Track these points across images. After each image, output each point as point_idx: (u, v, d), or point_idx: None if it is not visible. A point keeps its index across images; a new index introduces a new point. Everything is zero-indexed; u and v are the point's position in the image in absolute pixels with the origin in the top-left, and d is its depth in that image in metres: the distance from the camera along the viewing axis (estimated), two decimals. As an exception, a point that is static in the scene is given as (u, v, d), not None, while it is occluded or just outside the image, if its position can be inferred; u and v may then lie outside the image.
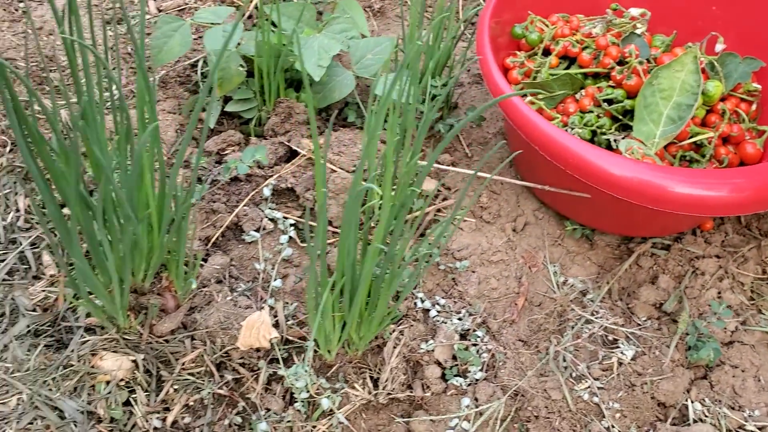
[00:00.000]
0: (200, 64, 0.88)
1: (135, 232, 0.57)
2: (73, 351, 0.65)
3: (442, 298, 0.73)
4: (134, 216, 0.55)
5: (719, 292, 0.75)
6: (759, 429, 0.67)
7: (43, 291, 0.70)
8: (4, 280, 0.71)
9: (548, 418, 0.65)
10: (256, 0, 0.89)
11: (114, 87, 0.56)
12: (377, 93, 0.75)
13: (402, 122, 0.66)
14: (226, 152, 0.79)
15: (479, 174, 0.81)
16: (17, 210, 0.76)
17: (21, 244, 0.73)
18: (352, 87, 0.78)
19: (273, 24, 0.79)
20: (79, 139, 0.49)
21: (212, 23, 0.78)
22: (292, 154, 0.79)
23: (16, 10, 0.94)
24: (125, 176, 0.55)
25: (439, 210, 0.80)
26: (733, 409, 0.68)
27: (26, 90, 0.50)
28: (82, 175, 0.51)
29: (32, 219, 0.76)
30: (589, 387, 0.67)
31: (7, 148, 0.81)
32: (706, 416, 0.67)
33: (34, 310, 0.69)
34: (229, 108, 0.80)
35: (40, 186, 0.52)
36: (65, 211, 0.69)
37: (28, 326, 0.67)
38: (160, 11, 0.94)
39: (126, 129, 0.56)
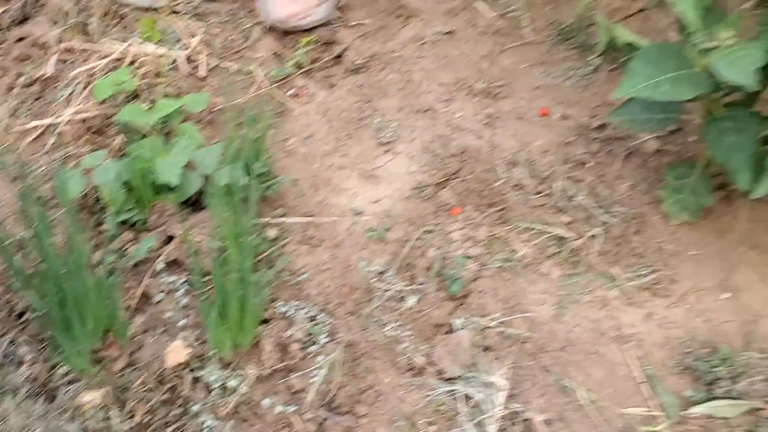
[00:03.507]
0: (89, 192, 1.26)
1: (92, 312, 0.97)
2: (63, 396, 1.02)
3: (295, 301, 1.14)
4: (91, 301, 0.94)
5: (465, 250, 1.20)
6: (499, 324, 1.11)
7: (28, 369, 1.07)
8: (-2, 371, 1.07)
9: (370, 352, 1.08)
10: (119, 139, 1.30)
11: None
12: (219, 183, 1.17)
13: (237, 198, 1.08)
14: (127, 248, 1.18)
15: (306, 220, 1.24)
16: (-9, 324, 1.13)
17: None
18: (201, 183, 1.20)
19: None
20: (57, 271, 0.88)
21: (96, 165, 1.18)
22: (170, 238, 1.19)
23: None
24: (78, 280, 0.94)
25: (282, 246, 1.22)
26: (482, 317, 1.12)
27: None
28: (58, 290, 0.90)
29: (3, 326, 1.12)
30: (391, 328, 1.10)
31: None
32: (465, 326, 1.11)
33: (28, 382, 1.05)
34: (119, 219, 1.20)
35: (35, 301, 0.91)
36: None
37: (27, 392, 1.04)
38: (52, 162, 1.32)
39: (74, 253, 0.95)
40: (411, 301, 1.13)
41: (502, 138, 1.39)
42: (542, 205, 1.27)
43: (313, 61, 1.52)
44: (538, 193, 1.29)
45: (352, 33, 1.60)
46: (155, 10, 1.53)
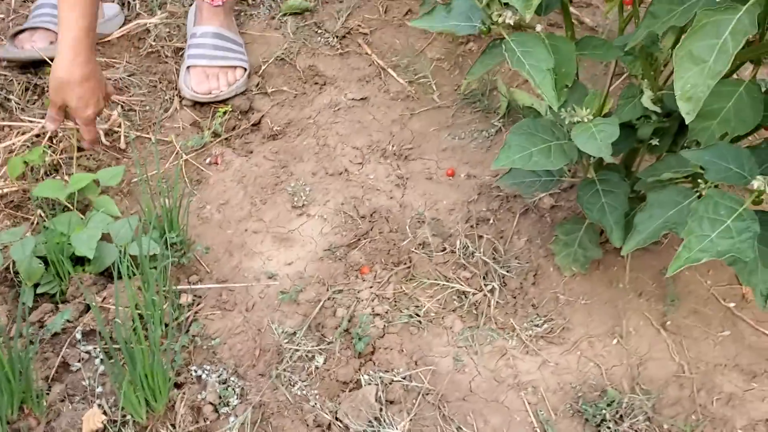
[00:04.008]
0: (10, 266, 1.31)
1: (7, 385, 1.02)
2: (-21, 470, 1.06)
3: (208, 365, 1.21)
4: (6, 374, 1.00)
5: (372, 308, 1.28)
6: (403, 379, 1.19)
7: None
8: None
9: (280, 411, 1.14)
10: (38, 213, 1.35)
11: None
12: (132, 253, 1.23)
13: (147, 268, 1.14)
14: (45, 319, 1.23)
15: (220, 286, 1.31)
16: None
17: None
18: (116, 254, 1.26)
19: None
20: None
21: (14, 241, 1.23)
22: (88, 308, 1.25)
23: None
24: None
25: (196, 312, 1.29)
26: (387, 372, 1.20)
27: None
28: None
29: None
30: (300, 387, 1.17)
31: None
32: (371, 381, 1.18)
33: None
34: (39, 291, 1.25)
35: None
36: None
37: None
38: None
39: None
40: (319, 360, 1.20)
41: (411, 198, 1.49)
42: (446, 261, 1.36)
43: (231, 130, 1.60)
44: (443, 250, 1.38)
45: (270, 101, 1.69)
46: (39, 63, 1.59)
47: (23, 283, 1.21)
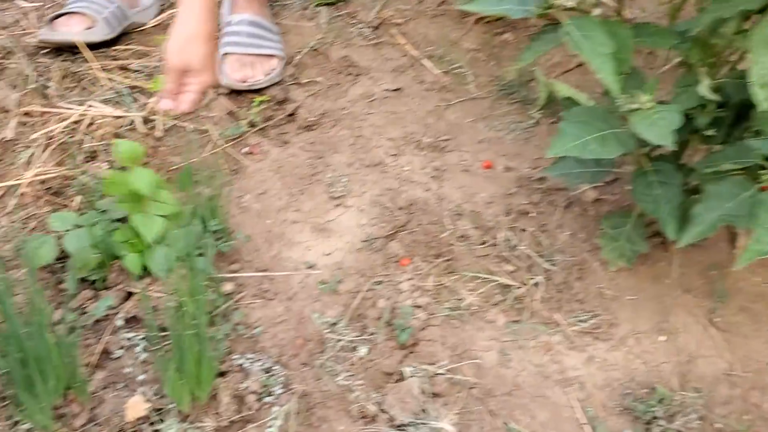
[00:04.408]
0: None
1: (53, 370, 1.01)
2: (23, 455, 1.06)
3: (250, 353, 1.20)
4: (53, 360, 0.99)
5: (414, 300, 1.27)
6: (447, 371, 1.18)
7: (-13, 430, 1.10)
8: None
9: (324, 402, 1.13)
10: (77, 200, 1.35)
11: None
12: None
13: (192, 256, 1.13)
14: (85, 306, 1.23)
15: (261, 275, 1.30)
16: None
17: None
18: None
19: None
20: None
21: (66, 230, 1.22)
22: (129, 294, 1.24)
23: None
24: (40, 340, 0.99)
25: (237, 301, 1.28)
26: (431, 364, 1.18)
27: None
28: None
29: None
30: (344, 377, 1.16)
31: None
32: (415, 374, 1.17)
33: (-15, 443, 1.08)
34: (79, 277, 1.24)
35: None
36: None
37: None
38: (12, 223, 1.36)
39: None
40: (362, 350, 1.19)
41: (448, 190, 1.47)
42: (487, 254, 1.35)
43: (267, 120, 1.59)
44: (483, 243, 1.37)
45: (305, 91, 1.67)
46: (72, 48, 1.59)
47: (71, 270, 1.20)
